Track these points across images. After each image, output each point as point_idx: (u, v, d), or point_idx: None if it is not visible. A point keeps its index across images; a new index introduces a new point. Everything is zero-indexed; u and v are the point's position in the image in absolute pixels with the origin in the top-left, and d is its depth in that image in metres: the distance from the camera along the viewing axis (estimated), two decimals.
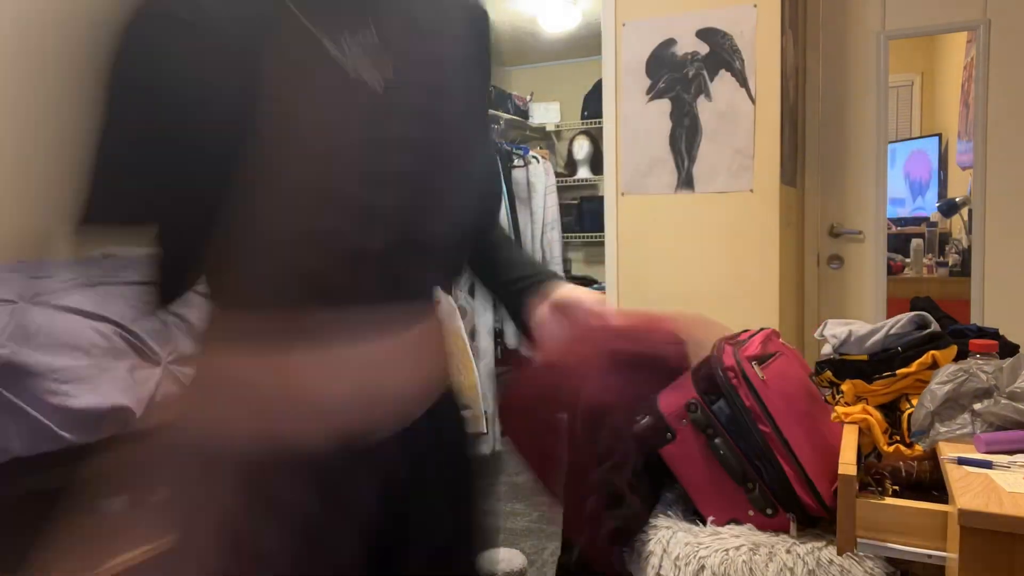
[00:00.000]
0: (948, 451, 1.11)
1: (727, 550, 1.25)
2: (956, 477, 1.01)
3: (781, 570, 1.21)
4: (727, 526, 1.30)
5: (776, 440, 1.23)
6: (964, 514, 0.91)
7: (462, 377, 2.28)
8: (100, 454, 1.43)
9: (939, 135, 3.79)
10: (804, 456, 1.23)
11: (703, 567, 1.25)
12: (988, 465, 1.02)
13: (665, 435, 1.32)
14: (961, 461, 1.05)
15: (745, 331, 1.46)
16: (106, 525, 1.72)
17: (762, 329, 1.46)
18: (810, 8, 3.03)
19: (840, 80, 3.00)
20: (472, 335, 3.04)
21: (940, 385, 1.16)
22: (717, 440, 1.29)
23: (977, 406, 1.12)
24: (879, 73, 2.92)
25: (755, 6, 2.59)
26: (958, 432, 1.13)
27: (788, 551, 1.22)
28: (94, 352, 1.36)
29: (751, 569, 1.22)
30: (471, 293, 3.13)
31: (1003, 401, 1.09)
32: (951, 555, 0.98)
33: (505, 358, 3.61)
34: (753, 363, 1.27)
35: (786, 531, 1.27)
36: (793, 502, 1.24)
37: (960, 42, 3.41)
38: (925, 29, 2.86)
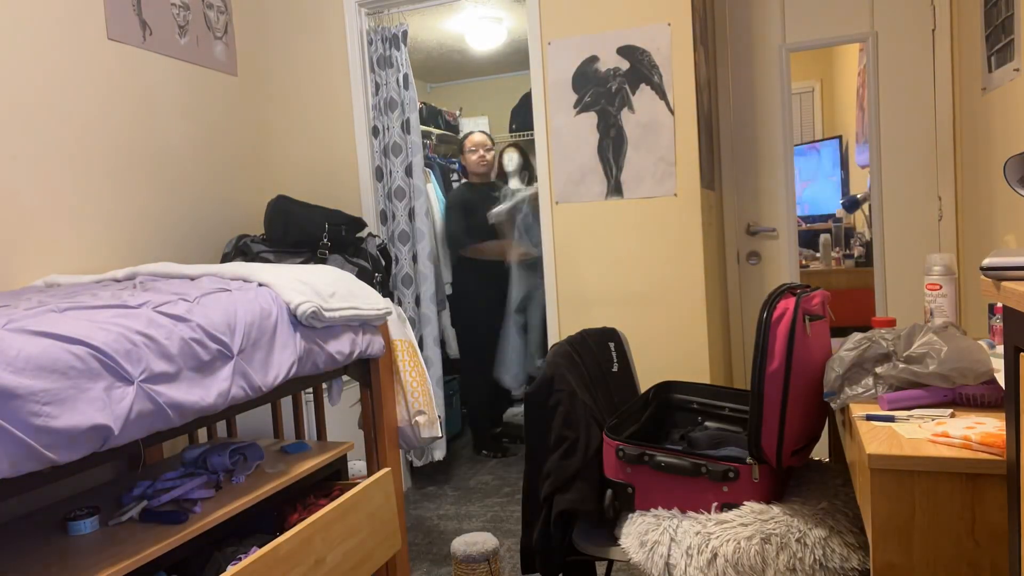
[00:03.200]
0: (857, 410, 1.28)
1: (739, 540, 1.36)
2: (865, 430, 1.18)
3: (791, 559, 1.34)
4: (728, 512, 1.44)
5: (778, 389, 1.38)
6: (872, 458, 1.07)
7: (415, 383, 2.37)
8: (77, 474, 1.48)
9: (839, 137, 4.11)
10: (790, 413, 1.38)
11: (715, 556, 1.36)
12: (891, 419, 1.20)
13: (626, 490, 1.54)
14: (869, 417, 1.22)
15: (807, 285, 1.57)
16: (77, 545, 1.74)
17: (819, 288, 1.58)
18: (718, 25, 3.27)
19: (748, 90, 3.24)
20: (420, 345, 3.13)
21: (847, 352, 1.34)
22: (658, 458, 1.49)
23: (879, 369, 1.30)
24: (782, 82, 3.18)
25: (669, 24, 2.80)
26: (864, 395, 1.31)
27: (799, 540, 1.35)
28: (71, 374, 1.41)
29: (763, 558, 1.34)
30: (417, 304, 3.22)
31: (900, 365, 1.27)
32: (862, 494, 1.14)
33: (448, 366, 3.72)
34: (806, 317, 1.41)
35: (752, 496, 1.42)
36: (756, 454, 1.41)
37: (854, 51, 3.72)
38: (821, 41, 3.13)
